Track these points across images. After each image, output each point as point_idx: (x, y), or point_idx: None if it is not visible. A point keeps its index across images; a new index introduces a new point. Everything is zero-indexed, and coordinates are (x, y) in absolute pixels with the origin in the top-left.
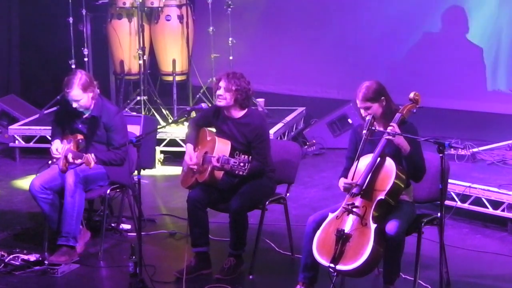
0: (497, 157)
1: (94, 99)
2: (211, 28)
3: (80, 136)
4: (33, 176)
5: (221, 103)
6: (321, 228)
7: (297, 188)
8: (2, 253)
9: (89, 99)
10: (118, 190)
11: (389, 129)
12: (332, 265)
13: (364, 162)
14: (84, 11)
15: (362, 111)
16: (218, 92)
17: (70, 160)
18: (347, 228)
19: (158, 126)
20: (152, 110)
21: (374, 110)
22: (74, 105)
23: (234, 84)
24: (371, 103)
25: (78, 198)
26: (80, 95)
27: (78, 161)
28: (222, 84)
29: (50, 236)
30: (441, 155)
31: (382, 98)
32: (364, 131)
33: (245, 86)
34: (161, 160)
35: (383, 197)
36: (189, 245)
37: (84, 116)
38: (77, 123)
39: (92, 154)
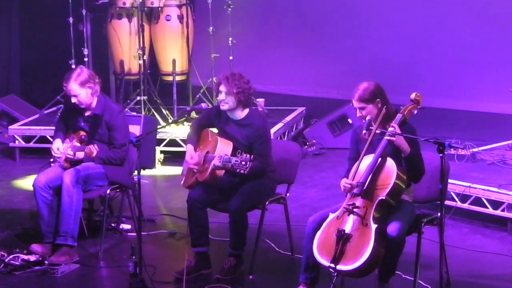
0: (497, 157)
1: (95, 96)
2: (211, 28)
3: (83, 133)
4: (33, 176)
5: (225, 107)
6: (321, 228)
7: (297, 188)
8: (2, 253)
9: (88, 95)
10: (118, 190)
11: (390, 129)
12: (332, 265)
13: (365, 162)
14: (84, 11)
15: (357, 111)
16: (220, 97)
17: (70, 153)
18: (347, 228)
19: (158, 126)
20: (152, 110)
21: (368, 111)
22: (73, 100)
23: (235, 87)
24: (365, 104)
25: (75, 198)
26: (78, 90)
27: (79, 153)
28: (222, 88)
29: (36, 234)
30: (441, 155)
31: (378, 100)
32: (364, 132)
33: (246, 86)
34: (161, 160)
35: (384, 198)
36: (189, 245)
37: (86, 114)
38: (80, 121)
39: (95, 145)
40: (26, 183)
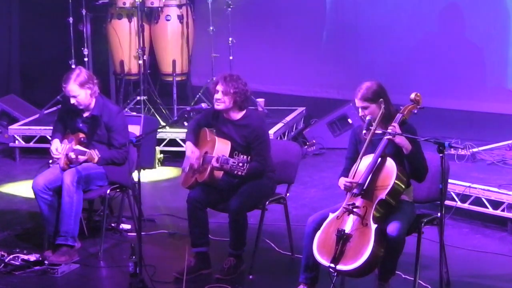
0: (497, 157)
1: (94, 97)
2: (211, 28)
3: (82, 135)
4: (33, 176)
5: (220, 106)
6: (321, 228)
7: (297, 188)
8: (2, 253)
9: (87, 96)
10: (118, 190)
11: (390, 129)
12: (332, 265)
13: (365, 162)
14: (84, 11)
15: (359, 110)
16: (216, 96)
17: (73, 157)
18: (347, 228)
19: (158, 126)
20: (152, 110)
21: (371, 111)
22: (72, 101)
23: (232, 87)
24: (369, 104)
25: (76, 198)
26: (77, 91)
27: (81, 157)
28: (219, 87)
29: (36, 234)
30: (441, 155)
31: (381, 99)
32: (364, 131)
33: (243, 88)
34: (161, 160)
35: (383, 197)
36: (189, 245)
37: (85, 115)
38: (78, 122)
39: (96, 150)
40: (26, 183)
